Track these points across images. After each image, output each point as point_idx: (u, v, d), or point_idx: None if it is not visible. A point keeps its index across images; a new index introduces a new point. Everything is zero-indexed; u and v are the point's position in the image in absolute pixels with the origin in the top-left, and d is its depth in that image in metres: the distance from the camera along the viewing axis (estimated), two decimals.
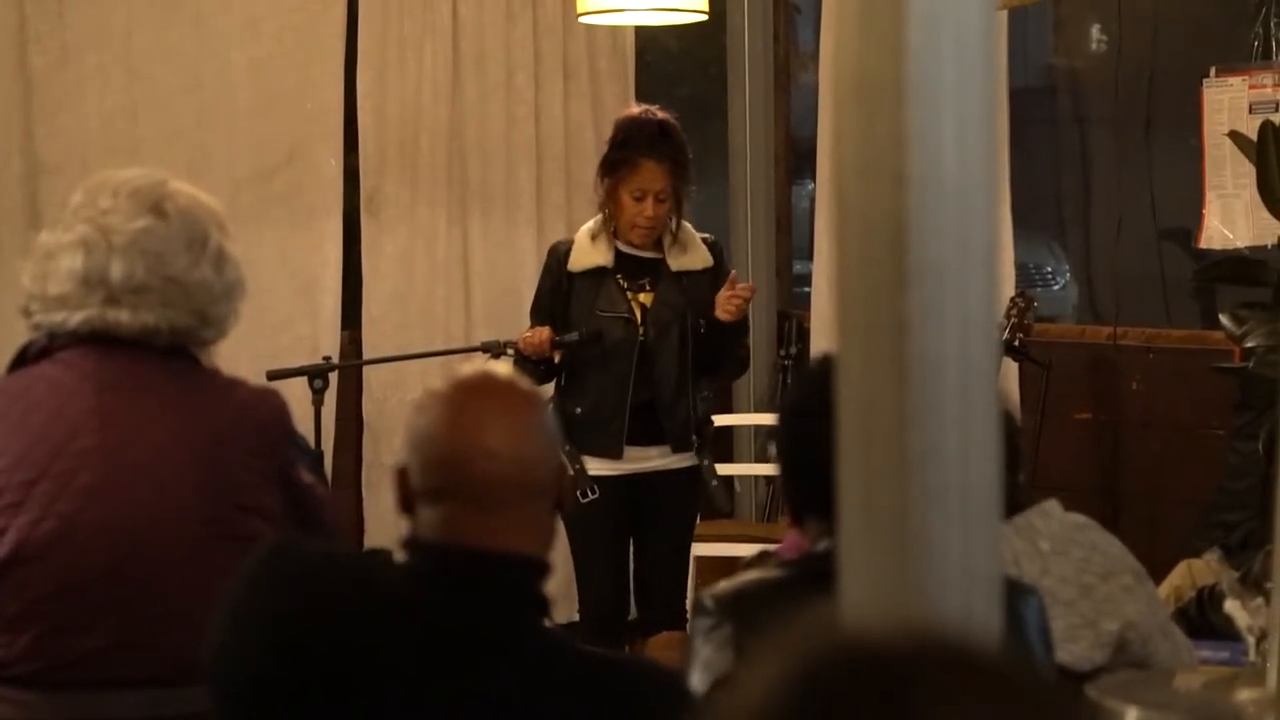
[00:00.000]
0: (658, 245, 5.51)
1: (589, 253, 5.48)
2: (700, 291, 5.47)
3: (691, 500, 5.68)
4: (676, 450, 5.51)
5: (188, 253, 3.03)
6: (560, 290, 5.51)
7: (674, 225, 5.50)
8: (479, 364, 2.53)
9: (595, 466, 5.43)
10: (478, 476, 2.38)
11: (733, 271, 5.56)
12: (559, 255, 5.56)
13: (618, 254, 5.48)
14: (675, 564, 5.66)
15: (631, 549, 5.61)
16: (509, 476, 2.38)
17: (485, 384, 2.45)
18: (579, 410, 5.45)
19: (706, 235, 5.62)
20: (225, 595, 2.43)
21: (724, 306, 5.39)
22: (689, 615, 5.85)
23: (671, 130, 5.45)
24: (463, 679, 2.32)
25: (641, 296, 5.48)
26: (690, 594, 6.04)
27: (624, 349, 5.43)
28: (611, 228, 5.47)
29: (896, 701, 1.03)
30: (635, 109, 5.63)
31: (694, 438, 5.52)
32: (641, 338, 5.43)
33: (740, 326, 5.52)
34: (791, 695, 1.04)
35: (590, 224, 5.55)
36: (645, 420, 5.45)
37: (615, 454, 5.43)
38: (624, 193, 5.41)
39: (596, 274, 5.47)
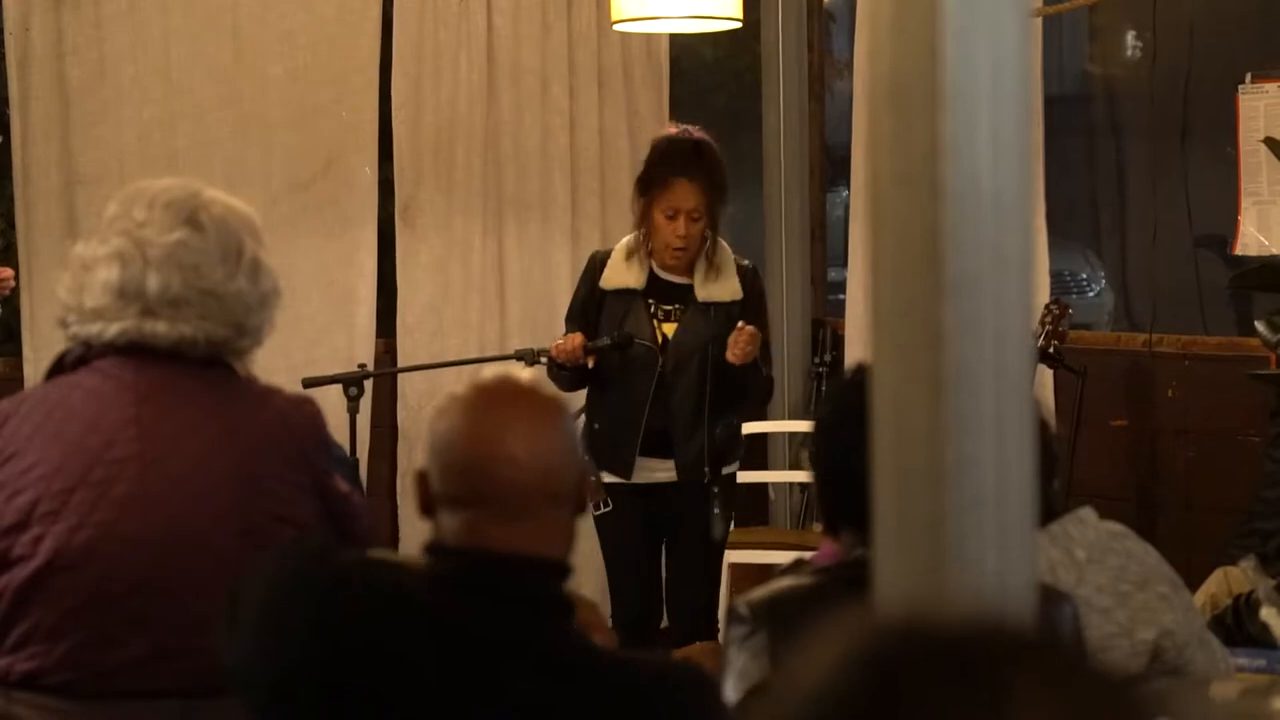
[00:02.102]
0: (690, 271, 5.47)
1: (622, 272, 5.47)
2: (726, 324, 5.38)
3: (711, 504, 5.64)
4: (688, 479, 5.45)
5: (223, 264, 3.04)
6: (592, 301, 5.51)
7: (710, 247, 5.46)
8: (500, 369, 2.52)
9: (610, 478, 5.45)
10: (499, 484, 2.37)
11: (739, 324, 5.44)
12: (595, 265, 5.55)
13: (651, 276, 5.46)
14: (704, 573, 5.63)
15: (663, 556, 5.60)
16: (530, 484, 2.38)
17: (506, 390, 2.44)
18: (596, 426, 5.46)
19: (745, 262, 5.56)
20: (248, 596, 2.43)
21: (730, 350, 5.32)
22: (720, 624, 5.86)
23: (707, 150, 5.42)
24: (486, 683, 2.32)
25: (666, 326, 5.45)
26: (725, 601, 6.02)
27: (644, 377, 5.41)
28: (647, 248, 5.46)
29: (976, 676, 1.02)
30: (673, 129, 5.59)
31: (706, 470, 5.45)
32: (661, 368, 5.41)
33: (752, 366, 5.41)
34: (856, 674, 1.03)
35: (629, 239, 5.53)
36: (661, 442, 5.44)
37: (625, 475, 5.44)
38: (657, 211, 5.38)
39: (626, 294, 5.46)
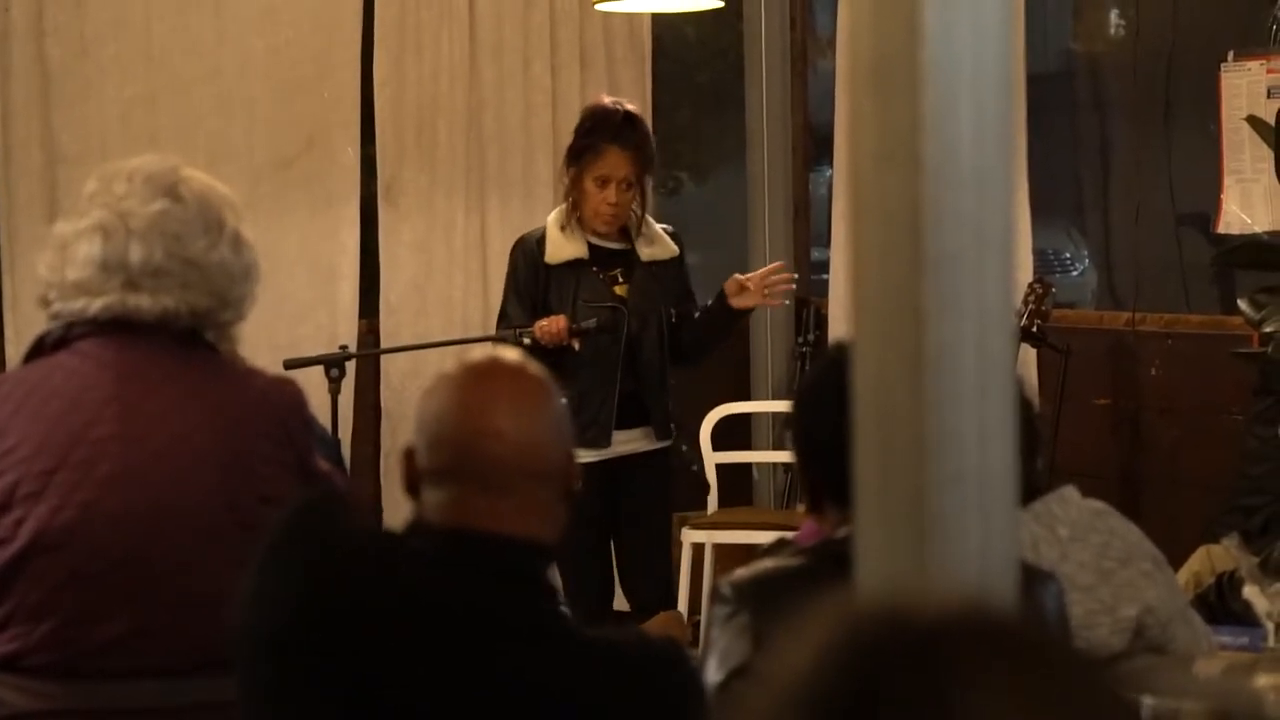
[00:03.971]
0: (625, 236, 5.55)
1: (563, 245, 5.51)
2: (670, 281, 5.58)
3: (665, 479, 5.70)
4: (659, 436, 5.56)
5: (205, 235, 3.04)
6: (536, 282, 5.52)
7: (638, 217, 5.55)
8: (489, 348, 2.54)
9: (579, 455, 5.44)
10: (484, 458, 2.38)
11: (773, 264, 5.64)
12: (529, 248, 5.57)
13: (590, 245, 5.51)
14: (659, 544, 5.69)
15: (613, 535, 5.62)
16: (516, 460, 2.38)
17: (495, 368, 2.46)
18: (563, 400, 5.47)
19: (666, 226, 5.68)
20: (256, 555, 2.44)
21: (773, 290, 5.49)
22: (677, 596, 5.90)
23: (636, 120, 5.52)
24: (465, 661, 2.32)
25: (616, 289, 5.51)
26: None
27: (611, 340, 5.46)
28: (576, 217, 5.50)
29: (935, 670, 1.03)
30: (605, 99, 5.68)
31: (672, 426, 5.59)
32: (629, 328, 5.47)
33: (737, 319, 5.61)
34: (833, 665, 1.05)
35: (555, 214, 5.58)
36: (631, 407, 5.50)
37: (604, 444, 5.44)
38: (588, 179, 5.46)
39: (573, 266, 5.50)
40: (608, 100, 5.65)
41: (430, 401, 2.43)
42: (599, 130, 5.47)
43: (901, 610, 1.08)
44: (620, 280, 5.53)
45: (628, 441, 5.53)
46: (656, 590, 5.61)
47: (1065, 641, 1.11)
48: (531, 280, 5.54)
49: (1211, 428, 6.10)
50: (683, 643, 2.57)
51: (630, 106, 5.58)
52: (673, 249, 5.60)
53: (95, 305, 3.00)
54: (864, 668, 1.04)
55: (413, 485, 2.43)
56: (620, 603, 5.76)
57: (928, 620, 1.06)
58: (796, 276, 5.61)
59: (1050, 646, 1.07)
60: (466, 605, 2.36)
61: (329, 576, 2.39)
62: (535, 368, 2.50)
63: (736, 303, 5.49)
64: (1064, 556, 3.29)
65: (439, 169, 7.03)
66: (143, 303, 3.00)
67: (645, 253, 5.55)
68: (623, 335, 5.47)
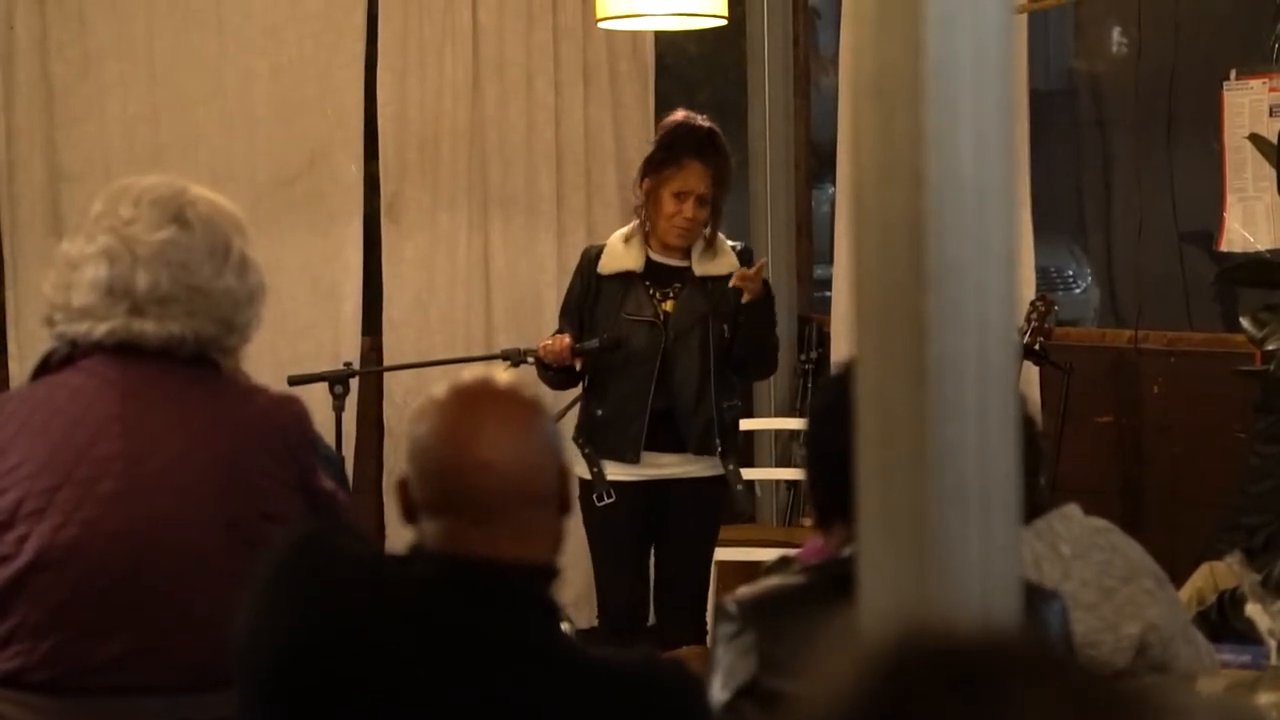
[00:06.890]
0: (686, 253, 5.48)
1: (620, 256, 5.47)
2: (725, 297, 5.43)
3: (713, 509, 5.63)
4: (698, 454, 5.47)
5: (210, 262, 3.03)
6: (589, 292, 5.49)
7: (708, 233, 5.47)
8: (478, 371, 2.51)
9: (614, 471, 5.42)
10: (475, 490, 2.36)
11: (761, 260, 5.52)
12: (590, 258, 5.55)
13: (648, 260, 5.47)
14: (695, 574, 5.60)
15: (653, 557, 5.58)
16: (507, 488, 2.37)
17: (482, 393, 2.43)
18: (600, 412, 5.44)
19: (736, 243, 5.59)
20: (253, 581, 2.43)
21: (746, 291, 5.34)
22: (709, 624, 5.85)
23: (718, 139, 5.45)
24: (472, 686, 2.32)
25: (667, 304, 5.45)
26: (711, 600, 6.02)
27: (647, 354, 5.41)
28: (646, 231, 5.46)
29: (980, 684, 1.03)
30: (680, 114, 5.60)
31: (717, 442, 5.48)
32: (664, 343, 5.41)
33: (766, 312, 5.46)
34: (871, 684, 1.05)
35: (625, 229, 5.54)
36: (666, 426, 5.42)
37: (632, 459, 5.40)
38: (665, 192, 5.39)
39: (624, 278, 5.45)
40: (686, 114, 5.56)
41: (418, 429, 2.41)
42: (682, 143, 5.41)
43: (940, 634, 1.09)
44: (673, 296, 5.47)
45: (668, 465, 5.47)
46: (680, 618, 5.55)
47: (1097, 671, 1.12)
48: (582, 291, 5.52)
49: (1214, 445, 6.09)
50: (691, 669, 2.55)
51: (710, 123, 5.50)
52: (733, 264, 5.47)
53: (100, 329, 3.00)
54: (907, 689, 1.04)
55: (410, 514, 2.43)
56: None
57: (968, 644, 1.07)
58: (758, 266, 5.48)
59: (1082, 671, 1.08)
60: (466, 630, 2.35)
61: (329, 602, 2.38)
62: (523, 390, 2.48)
63: (746, 299, 5.38)
64: (1066, 574, 3.29)
65: (442, 186, 7.04)
66: (148, 328, 3.00)
67: (700, 268, 5.46)
68: (659, 352, 5.44)
